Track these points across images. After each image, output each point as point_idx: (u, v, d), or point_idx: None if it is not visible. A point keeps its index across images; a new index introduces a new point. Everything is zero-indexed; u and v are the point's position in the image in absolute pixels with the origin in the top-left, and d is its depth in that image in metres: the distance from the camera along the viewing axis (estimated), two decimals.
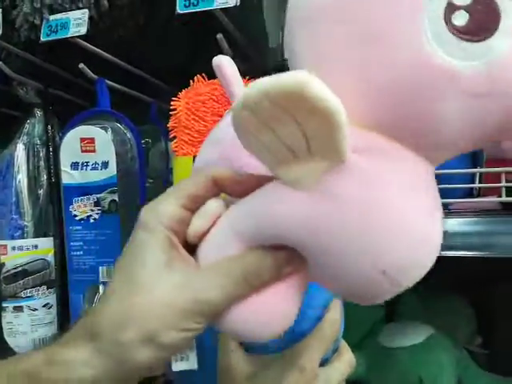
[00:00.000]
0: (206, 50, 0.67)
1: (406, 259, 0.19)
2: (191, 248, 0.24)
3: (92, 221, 0.61)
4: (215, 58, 0.40)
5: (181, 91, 0.56)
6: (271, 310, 0.22)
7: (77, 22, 0.56)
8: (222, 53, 0.58)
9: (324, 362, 0.34)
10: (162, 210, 0.23)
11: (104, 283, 0.60)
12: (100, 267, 0.60)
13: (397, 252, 0.19)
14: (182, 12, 0.52)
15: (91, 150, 0.60)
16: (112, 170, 0.60)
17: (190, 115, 0.55)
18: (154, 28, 0.65)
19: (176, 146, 0.56)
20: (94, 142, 0.60)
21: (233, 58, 0.60)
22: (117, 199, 0.60)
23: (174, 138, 0.56)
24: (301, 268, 0.22)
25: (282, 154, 0.19)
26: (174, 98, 0.56)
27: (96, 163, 0.60)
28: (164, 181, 0.69)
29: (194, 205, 0.24)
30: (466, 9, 0.16)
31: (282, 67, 0.58)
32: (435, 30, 0.17)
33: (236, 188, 0.24)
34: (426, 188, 0.20)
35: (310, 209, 0.19)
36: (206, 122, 0.55)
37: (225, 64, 0.40)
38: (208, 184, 0.24)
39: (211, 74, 0.45)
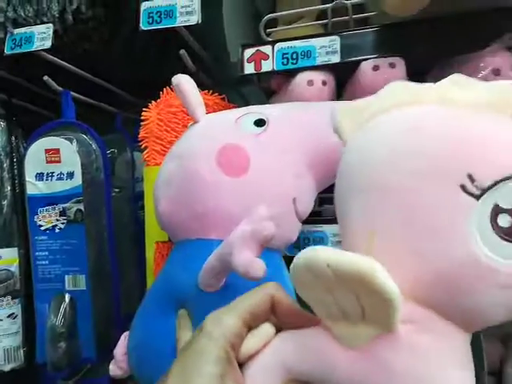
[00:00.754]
0: (170, 64, 0.69)
1: None
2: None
3: (57, 230, 0.61)
4: (174, 77, 0.42)
5: (146, 102, 0.58)
6: None
7: (41, 36, 0.57)
8: (185, 67, 0.61)
9: None
10: (226, 323, 0.24)
11: (70, 292, 0.61)
12: (66, 276, 0.61)
13: None
14: (145, 29, 0.55)
15: (56, 161, 0.61)
16: (77, 180, 0.61)
17: (161, 126, 0.56)
18: (118, 42, 0.67)
19: (148, 156, 0.57)
20: (59, 153, 0.61)
21: (196, 72, 0.64)
22: (82, 209, 0.61)
23: (146, 148, 0.57)
24: None
25: (336, 313, 0.22)
26: (144, 109, 0.58)
27: (61, 173, 0.61)
28: (129, 190, 0.70)
29: (253, 322, 0.25)
30: (510, 212, 0.20)
31: (242, 82, 0.61)
32: (483, 230, 0.20)
33: (286, 317, 0.26)
34: (464, 360, 0.22)
35: (358, 368, 0.22)
36: (177, 132, 0.56)
37: (183, 82, 0.43)
38: (267, 303, 0.25)
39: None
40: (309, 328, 0.24)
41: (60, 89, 0.63)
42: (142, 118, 0.55)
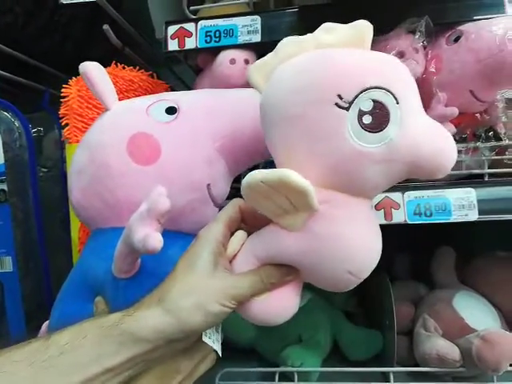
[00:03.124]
0: (97, 39, 0.68)
1: (363, 264, 0.32)
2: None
3: None
4: (81, 65, 0.41)
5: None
6: (279, 304, 0.34)
7: None
8: (110, 42, 0.60)
9: None
10: (214, 228, 0.35)
11: None
12: None
13: (357, 261, 0.31)
14: (65, 2, 0.53)
15: None
16: None
17: (82, 103, 0.55)
18: (42, 16, 0.64)
19: (69, 133, 0.56)
20: None
21: (123, 48, 0.63)
22: (6, 189, 0.59)
23: (66, 125, 0.56)
24: (297, 276, 0.34)
25: (278, 211, 0.31)
26: (65, 86, 0.56)
27: None
28: (59, 170, 0.68)
29: (232, 225, 0.35)
30: (370, 113, 0.29)
31: (167, 59, 0.60)
32: (354, 129, 0.29)
33: (250, 219, 0.36)
34: (369, 218, 0.32)
35: (301, 243, 0.31)
36: (98, 109, 0.55)
37: (90, 70, 0.41)
38: (238, 210, 0.36)
39: (103, 62, 0.46)
40: (265, 227, 0.34)
41: None
42: (62, 94, 0.54)
